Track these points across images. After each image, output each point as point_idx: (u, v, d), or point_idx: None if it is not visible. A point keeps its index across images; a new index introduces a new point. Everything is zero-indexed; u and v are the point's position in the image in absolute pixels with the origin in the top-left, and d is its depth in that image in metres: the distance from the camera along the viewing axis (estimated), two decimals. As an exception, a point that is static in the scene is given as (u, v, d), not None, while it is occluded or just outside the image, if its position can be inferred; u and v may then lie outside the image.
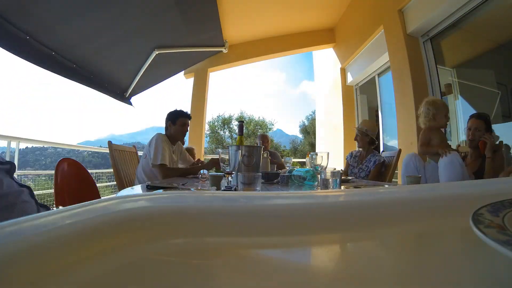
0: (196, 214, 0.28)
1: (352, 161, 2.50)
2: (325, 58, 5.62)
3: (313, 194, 0.38)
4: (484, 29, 2.53)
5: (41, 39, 2.49)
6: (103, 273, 0.19)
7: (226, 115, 15.75)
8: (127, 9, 2.79)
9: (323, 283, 0.20)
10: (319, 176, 1.30)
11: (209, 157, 5.96)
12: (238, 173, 1.13)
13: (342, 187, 1.48)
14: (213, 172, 1.83)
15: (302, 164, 6.31)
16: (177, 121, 2.12)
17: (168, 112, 2.18)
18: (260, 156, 1.43)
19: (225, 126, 15.76)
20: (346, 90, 4.75)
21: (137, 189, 1.33)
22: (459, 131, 2.79)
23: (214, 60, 4.93)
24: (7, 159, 3.09)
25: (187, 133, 2.28)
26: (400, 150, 2.31)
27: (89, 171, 1.90)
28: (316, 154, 1.26)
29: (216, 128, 15.68)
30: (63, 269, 0.18)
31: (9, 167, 0.75)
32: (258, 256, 0.25)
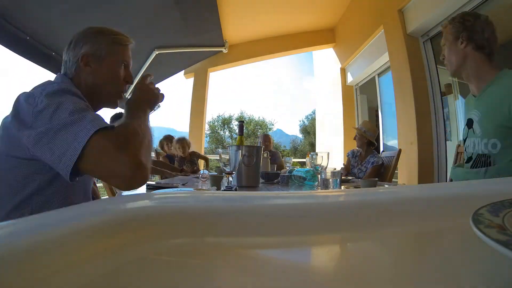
0: (196, 214, 0.28)
1: (353, 160, 2.50)
2: (325, 58, 5.62)
3: (313, 194, 0.38)
4: (484, 29, 2.53)
5: (41, 39, 2.49)
6: (103, 273, 0.19)
7: (226, 115, 15.78)
8: (127, 9, 2.80)
9: (323, 283, 0.20)
10: (319, 176, 1.30)
11: (209, 157, 5.97)
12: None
13: (342, 187, 1.48)
14: (213, 172, 1.83)
15: (302, 164, 6.31)
16: None
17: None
18: (260, 156, 1.43)
19: (225, 126, 15.78)
20: (346, 90, 4.75)
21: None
22: (459, 131, 2.79)
23: (214, 60, 4.93)
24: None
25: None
26: (400, 150, 2.31)
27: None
28: (316, 154, 1.26)
29: (216, 128, 15.70)
30: (63, 269, 0.18)
31: None
32: (258, 256, 0.25)
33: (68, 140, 0.58)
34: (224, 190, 1.13)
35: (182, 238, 0.25)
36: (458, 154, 1.82)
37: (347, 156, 2.60)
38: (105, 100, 0.85)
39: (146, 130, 0.68)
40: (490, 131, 0.99)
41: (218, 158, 1.18)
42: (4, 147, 0.69)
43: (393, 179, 2.34)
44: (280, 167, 2.63)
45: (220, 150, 1.23)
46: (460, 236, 0.27)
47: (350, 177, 2.06)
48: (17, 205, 0.68)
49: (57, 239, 0.19)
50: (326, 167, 1.26)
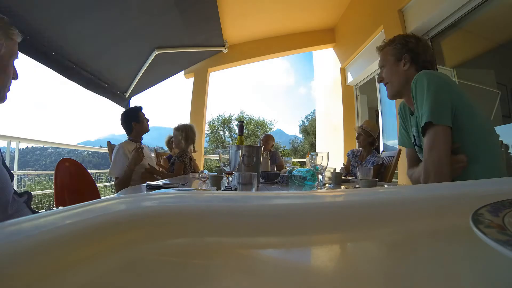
0: (196, 214, 0.28)
1: (353, 160, 2.50)
2: (325, 58, 5.62)
3: (313, 194, 0.38)
4: (484, 29, 2.53)
5: (41, 40, 2.49)
6: (103, 273, 0.19)
7: (226, 115, 15.78)
8: (127, 9, 2.80)
9: (323, 283, 0.20)
10: (319, 176, 1.30)
11: (209, 157, 5.97)
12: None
13: (342, 187, 1.48)
14: (213, 172, 1.83)
15: (302, 164, 6.32)
16: (139, 117, 2.17)
17: (123, 115, 2.18)
18: (260, 156, 1.43)
19: (225, 126, 15.78)
20: (346, 90, 4.75)
21: (137, 189, 1.32)
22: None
23: (214, 60, 4.93)
24: (7, 159, 3.09)
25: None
26: (400, 150, 2.31)
27: (89, 171, 1.90)
28: (316, 154, 1.26)
29: (216, 128, 15.70)
30: (63, 269, 0.18)
31: (27, 198, 0.77)
32: (258, 256, 0.25)
33: None
34: (224, 190, 1.13)
35: (182, 238, 0.25)
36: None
37: (347, 156, 2.60)
38: None
39: None
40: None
41: (218, 158, 1.18)
42: None
43: (393, 179, 2.35)
44: (280, 167, 2.63)
45: (220, 150, 1.23)
46: (460, 236, 0.26)
47: (350, 177, 2.06)
48: None
49: (57, 239, 0.19)
50: (326, 167, 1.26)
